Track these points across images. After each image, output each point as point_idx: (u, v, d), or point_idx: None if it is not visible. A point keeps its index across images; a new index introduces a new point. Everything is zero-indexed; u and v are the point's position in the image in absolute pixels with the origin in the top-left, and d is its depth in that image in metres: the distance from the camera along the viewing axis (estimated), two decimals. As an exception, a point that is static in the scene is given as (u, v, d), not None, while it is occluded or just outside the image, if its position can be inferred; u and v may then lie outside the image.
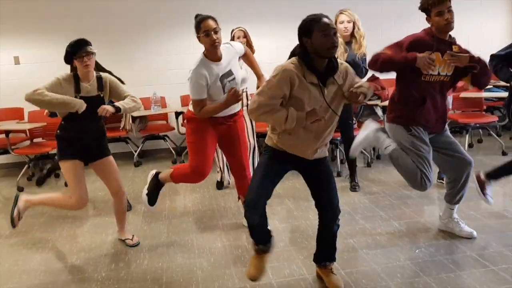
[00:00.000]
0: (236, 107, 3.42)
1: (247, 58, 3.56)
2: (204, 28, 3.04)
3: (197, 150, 3.35)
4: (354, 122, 5.43)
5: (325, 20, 2.39)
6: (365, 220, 3.84)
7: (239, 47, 3.43)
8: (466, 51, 3.08)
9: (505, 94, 5.85)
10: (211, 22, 3.06)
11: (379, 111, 5.75)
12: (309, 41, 2.39)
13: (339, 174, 5.18)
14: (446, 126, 3.32)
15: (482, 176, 3.68)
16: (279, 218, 3.98)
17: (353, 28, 4.27)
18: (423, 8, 3.05)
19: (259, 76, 3.57)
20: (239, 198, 3.89)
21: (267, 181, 2.61)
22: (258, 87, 3.40)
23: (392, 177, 4.95)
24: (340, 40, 4.31)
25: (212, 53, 3.15)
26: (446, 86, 3.19)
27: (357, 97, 2.47)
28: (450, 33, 3.07)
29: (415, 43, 3.03)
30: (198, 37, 3.12)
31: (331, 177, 2.70)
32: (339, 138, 5.20)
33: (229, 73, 3.23)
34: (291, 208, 4.20)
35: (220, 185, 4.93)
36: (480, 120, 5.87)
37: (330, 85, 2.49)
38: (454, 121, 6.04)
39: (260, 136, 6.12)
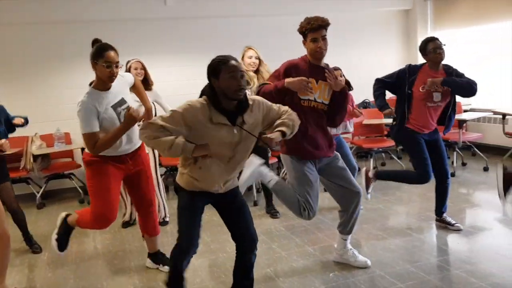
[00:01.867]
0: (137, 142, 3.27)
1: (137, 90, 3.45)
2: (107, 59, 2.91)
3: (99, 196, 3.13)
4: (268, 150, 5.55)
5: (233, 62, 2.40)
6: (281, 248, 3.88)
7: (129, 77, 3.36)
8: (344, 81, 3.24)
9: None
10: (113, 55, 2.94)
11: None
12: (216, 82, 2.40)
13: (255, 203, 5.21)
14: (337, 153, 3.35)
15: (370, 174, 4.00)
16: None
17: (259, 63, 4.53)
18: (301, 31, 3.13)
19: (147, 109, 3.46)
20: (143, 236, 3.66)
21: (194, 221, 2.59)
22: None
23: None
24: (251, 74, 4.45)
25: (104, 84, 3.01)
26: (325, 114, 3.21)
27: (271, 142, 2.50)
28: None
29: (290, 69, 3.10)
30: (95, 64, 2.95)
31: (244, 206, 2.70)
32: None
33: (122, 101, 3.10)
34: (207, 241, 4.13)
35: (127, 224, 4.73)
36: (382, 144, 6.27)
37: (242, 125, 2.49)
38: (359, 147, 6.39)
39: (171, 170, 6.04)
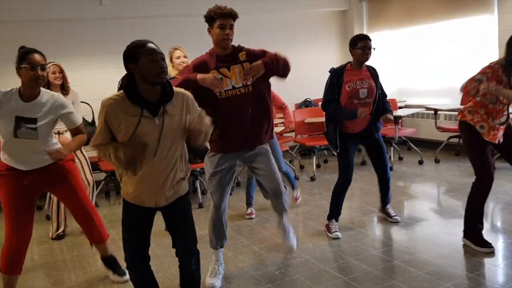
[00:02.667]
0: (46, 160, 3.00)
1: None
2: (30, 61, 2.76)
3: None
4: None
5: (151, 45, 2.27)
6: (227, 249, 3.86)
7: (69, 107, 3.06)
8: (258, 53, 3.05)
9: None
10: (38, 57, 2.80)
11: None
12: (136, 67, 2.25)
13: (201, 206, 5.17)
14: (265, 146, 3.22)
15: (327, 222, 4.05)
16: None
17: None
18: (209, 16, 2.99)
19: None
20: (91, 244, 3.53)
21: (132, 236, 2.52)
22: None
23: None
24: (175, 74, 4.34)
25: (28, 90, 2.85)
26: (254, 97, 3.05)
27: (198, 136, 2.36)
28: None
29: (198, 66, 3.01)
30: (19, 69, 2.80)
31: (187, 218, 2.57)
32: (198, 169, 5.21)
33: (32, 121, 2.86)
34: (151, 246, 4.04)
35: (61, 237, 4.51)
36: (324, 142, 6.38)
37: (165, 115, 2.31)
38: (302, 145, 6.51)
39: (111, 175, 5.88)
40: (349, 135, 3.89)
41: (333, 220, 4.02)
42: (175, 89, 2.40)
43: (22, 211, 2.99)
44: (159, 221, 2.76)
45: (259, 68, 2.93)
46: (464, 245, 3.52)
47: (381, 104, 3.91)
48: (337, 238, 3.89)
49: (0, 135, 2.92)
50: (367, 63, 3.89)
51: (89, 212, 3.27)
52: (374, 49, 3.85)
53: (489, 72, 3.28)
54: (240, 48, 3.08)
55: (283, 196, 3.29)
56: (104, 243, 3.39)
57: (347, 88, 3.80)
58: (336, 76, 3.83)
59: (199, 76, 2.92)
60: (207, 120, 2.41)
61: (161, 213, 2.59)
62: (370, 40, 3.84)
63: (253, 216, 4.66)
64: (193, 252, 2.61)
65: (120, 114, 2.27)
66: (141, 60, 2.23)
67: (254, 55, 3.04)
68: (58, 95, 3.03)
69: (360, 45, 3.78)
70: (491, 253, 3.32)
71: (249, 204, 4.74)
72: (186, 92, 2.46)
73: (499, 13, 5.86)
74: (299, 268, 3.39)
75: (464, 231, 3.53)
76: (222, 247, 3.36)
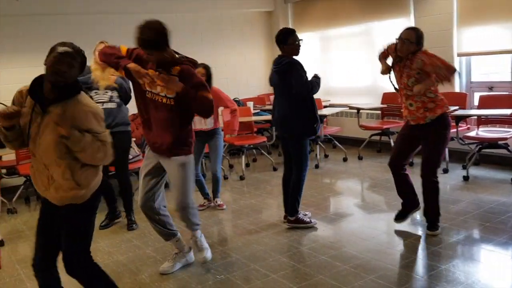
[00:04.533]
0: None
1: None
2: None
3: None
4: (138, 154, 5.39)
5: (66, 48, 2.26)
6: (156, 252, 3.79)
7: None
8: (193, 82, 2.97)
9: (269, 117, 6.62)
10: None
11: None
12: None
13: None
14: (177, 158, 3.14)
15: (291, 218, 4.05)
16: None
17: None
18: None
19: None
20: None
21: (44, 234, 2.44)
22: None
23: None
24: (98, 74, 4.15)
25: None
26: (172, 111, 3.01)
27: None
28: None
29: (137, 54, 3.02)
30: None
31: (66, 222, 2.43)
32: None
33: None
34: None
35: None
36: (253, 141, 6.47)
37: (53, 113, 2.29)
38: (231, 144, 6.53)
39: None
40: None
41: (297, 214, 4.06)
42: (81, 96, 2.35)
43: None
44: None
45: (172, 86, 2.91)
46: (386, 239, 3.71)
47: None
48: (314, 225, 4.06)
49: None
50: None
51: None
52: (302, 40, 3.89)
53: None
54: (179, 62, 3.01)
55: (188, 210, 3.25)
56: None
57: None
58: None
59: (131, 65, 2.91)
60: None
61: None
62: (296, 32, 3.91)
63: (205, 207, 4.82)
64: (69, 269, 2.45)
65: (21, 102, 2.38)
66: (49, 55, 2.28)
67: (187, 79, 2.95)
68: None
69: (293, 40, 3.81)
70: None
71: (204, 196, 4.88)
72: (88, 103, 2.37)
73: (416, 16, 6.22)
74: (229, 268, 3.39)
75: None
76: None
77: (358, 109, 6.60)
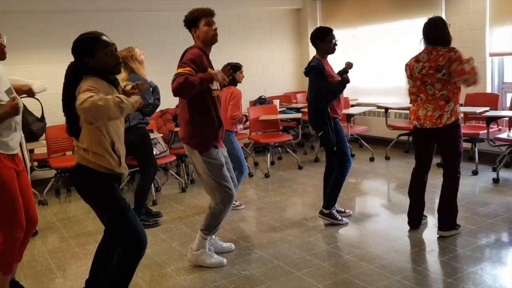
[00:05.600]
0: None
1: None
2: None
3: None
4: (165, 149, 5.47)
5: (105, 37, 2.36)
6: (181, 246, 3.85)
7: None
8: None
9: (297, 115, 6.62)
10: None
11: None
12: (91, 61, 2.34)
13: (154, 203, 5.10)
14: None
15: (325, 211, 4.04)
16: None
17: None
18: (193, 17, 3.12)
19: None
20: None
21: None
22: None
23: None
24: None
25: None
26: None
27: None
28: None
29: (197, 60, 3.05)
30: None
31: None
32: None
33: (10, 91, 2.79)
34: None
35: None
36: (278, 139, 6.47)
37: None
38: (257, 142, 6.55)
39: (61, 172, 5.70)
40: (336, 121, 3.98)
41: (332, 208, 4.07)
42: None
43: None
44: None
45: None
46: (412, 240, 3.67)
47: None
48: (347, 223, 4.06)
49: None
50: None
51: (36, 222, 3.03)
52: (337, 40, 3.94)
53: None
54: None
55: (210, 210, 3.35)
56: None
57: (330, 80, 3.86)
58: (323, 72, 3.83)
59: (213, 72, 3.04)
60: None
61: None
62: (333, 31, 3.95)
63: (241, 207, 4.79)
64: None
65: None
66: (98, 53, 2.31)
67: None
68: None
69: (331, 39, 3.87)
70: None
71: None
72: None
73: (446, 15, 6.11)
74: (253, 264, 3.41)
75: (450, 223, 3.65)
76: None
77: (387, 109, 6.52)
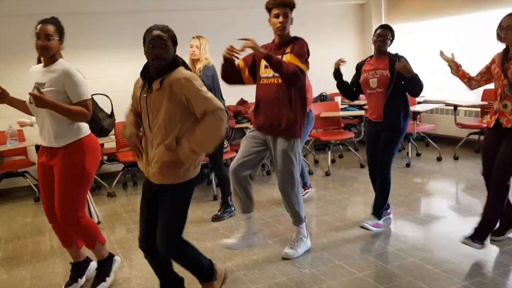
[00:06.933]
0: (52, 140, 2.90)
1: None
2: (36, 31, 2.81)
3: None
4: (226, 145, 5.54)
5: (156, 32, 2.40)
6: (242, 242, 3.88)
7: (74, 78, 2.88)
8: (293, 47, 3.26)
9: (360, 112, 6.47)
10: (43, 27, 2.80)
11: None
12: (144, 49, 2.45)
13: (215, 198, 5.19)
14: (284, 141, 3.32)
15: (372, 222, 3.92)
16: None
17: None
18: (266, 7, 3.31)
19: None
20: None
21: (144, 220, 2.61)
22: None
23: (264, 196, 5.12)
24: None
25: (42, 57, 2.93)
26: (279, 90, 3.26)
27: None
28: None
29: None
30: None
31: (166, 209, 2.51)
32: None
33: (42, 85, 2.85)
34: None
35: None
36: (339, 137, 6.37)
37: (155, 90, 2.44)
38: (317, 139, 6.48)
39: (128, 166, 5.92)
40: (369, 121, 3.95)
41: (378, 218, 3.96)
42: (180, 69, 2.47)
43: (46, 186, 3.01)
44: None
45: (255, 49, 3.12)
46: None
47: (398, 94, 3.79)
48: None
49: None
50: (390, 52, 3.89)
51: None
52: (391, 39, 3.83)
53: None
54: (293, 40, 3.33)
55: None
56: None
57: (361, 78, 3.92)
58: (357, 68, 4.02)
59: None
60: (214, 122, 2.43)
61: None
62: (387, 29, 3.82)
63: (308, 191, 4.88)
64: (164, 250, 2.54)
65: (136, 86, 2.60)
66: (145, 43, 2.42)
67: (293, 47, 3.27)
68: (69, 65, 2.89)
69: (375, 33, 3.83)
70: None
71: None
72: (189, 76, 2.44)
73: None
74: (313, 262, 3.38)
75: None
76: (245, 212, 3.50)
77: (455, 106, 6.23)
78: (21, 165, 5.95)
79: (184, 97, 2.40)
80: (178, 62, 2.49)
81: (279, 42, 3.35)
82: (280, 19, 3.24)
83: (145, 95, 2.47)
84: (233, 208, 4.57)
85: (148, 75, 2.48)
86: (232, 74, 3.41)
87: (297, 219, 3.52)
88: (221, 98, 4.41)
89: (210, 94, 2.44)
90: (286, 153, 3.28)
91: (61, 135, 2.88)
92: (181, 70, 2.46)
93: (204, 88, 2.45)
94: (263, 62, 3.32)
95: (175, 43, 2.48)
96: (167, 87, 2.40)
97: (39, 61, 3.01)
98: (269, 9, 3.29)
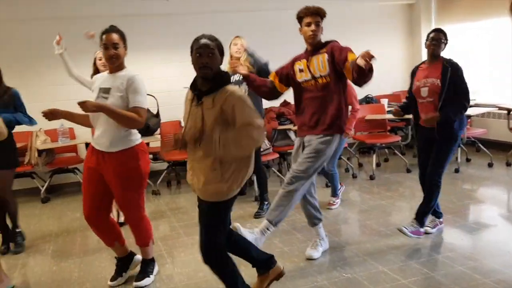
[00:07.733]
0: (104, 143, 3.01)
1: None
2: (104, 41, 2.93)
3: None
4: (268, 147, 5.55)
5: (203, 40, 2.41)
6: (283, 243, 3.87)
7: (137, 86, 3.00)
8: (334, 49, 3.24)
9: (407, 115, 6.30)
10: (111, 36, 2.92)
11: (292, 135, 5.93)
12: (191, 59, 2.46)
13: (256, 199, 5.20)
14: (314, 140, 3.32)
15: (412, 229, 3.79)
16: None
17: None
18: (298, 17, 3.30)
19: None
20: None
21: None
22: None
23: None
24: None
25: (109, 66, 3.05)
26: (330, 85, 3.26)
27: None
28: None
29: (293, 60, 3.43)
30: (101, 48, 3.00)
31: (204, 216, 2.57)
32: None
33: (107, 90, 2.97)
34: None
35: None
36: (385, 140, 6.24)
37: (205, 104, 2.43)
38: (362, 142, 6.37)
39: (173, 164, 6.02)
40: (420, 127, 3.84)
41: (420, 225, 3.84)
42: (228, 87, 2.44)
43: (91, 189, 3.11)
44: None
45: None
46: (536, 255, 3.31)
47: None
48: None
49: None
50: (444, 57, 3.73)
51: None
52: (445, 42, 3.69)
53: None
54: (326, 44, 3.31)
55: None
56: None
57: (413, 87, 3.79)
58: (411, 75, 3.89)
59: None
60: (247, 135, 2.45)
61: None
62: (439, 32, 3.70)
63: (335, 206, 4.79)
64: (206, 255, 2.55)
65: (187, 96, 2.60)
66: (193, 52, 2.44)
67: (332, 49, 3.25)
68: (136, 73, 3.01)
69: (428, 37, 3.71)
70: None
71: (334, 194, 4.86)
72: (234, 91, 2.43)
73: None
74: (356, 267, 3.32)
75: None
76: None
77: (509, 110, 5.96)
78: (72, 161, 6.19)
79: (230, 115, 2.40)
80: (227, 78, 2.50)
81: (312, 49, 3.33)
82: (312, 27, 3.23)
83: (195, 108, 2.48)
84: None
85: (196, 87, 2.50)
86: (259, 88, 3.51)
87: (309, 221, 3.62)
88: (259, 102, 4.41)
89: (256, 114, 2.47)
90: (319, 143, 3.27)
91: (117, 142, 3.00)
92: (231, 87, 2.46)
93: (252, 108, 2.46)
94: (297, 68, 3.36)
95: (222, 52, 2.48)
96: (217, 105, 2.39)
97: (95, 72, 3.12)
98: (300, 18, 3.28)
